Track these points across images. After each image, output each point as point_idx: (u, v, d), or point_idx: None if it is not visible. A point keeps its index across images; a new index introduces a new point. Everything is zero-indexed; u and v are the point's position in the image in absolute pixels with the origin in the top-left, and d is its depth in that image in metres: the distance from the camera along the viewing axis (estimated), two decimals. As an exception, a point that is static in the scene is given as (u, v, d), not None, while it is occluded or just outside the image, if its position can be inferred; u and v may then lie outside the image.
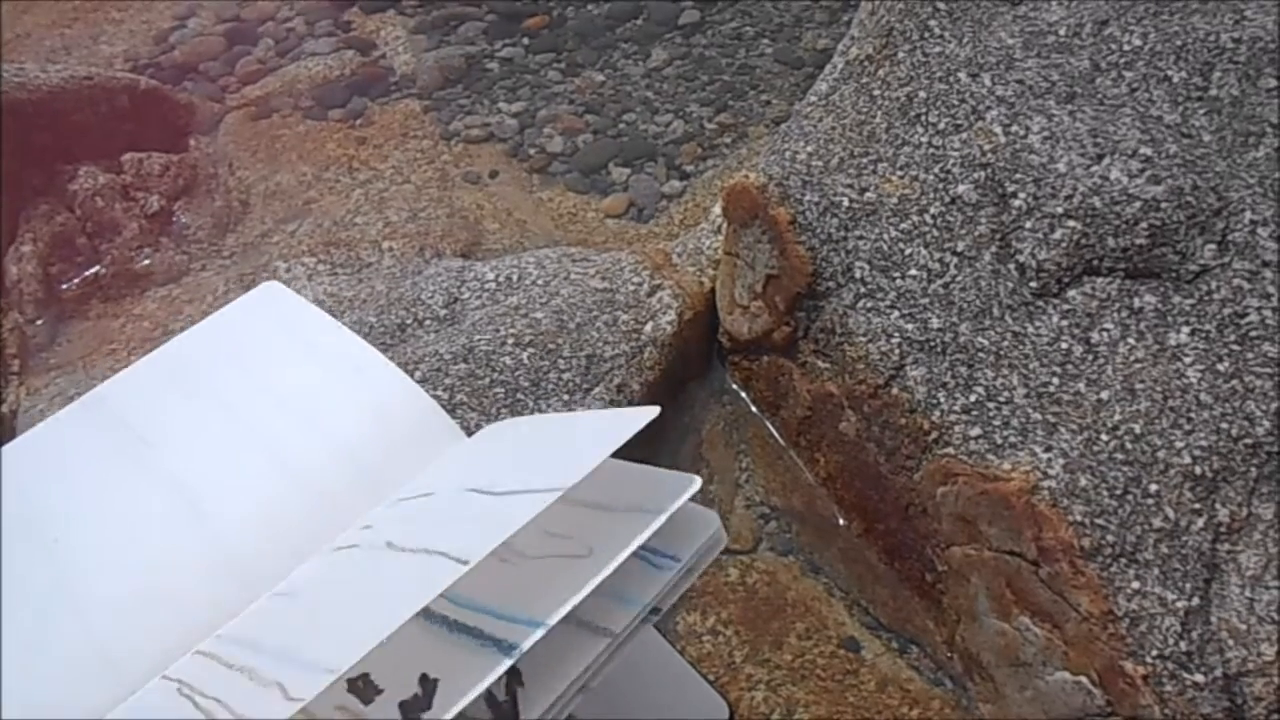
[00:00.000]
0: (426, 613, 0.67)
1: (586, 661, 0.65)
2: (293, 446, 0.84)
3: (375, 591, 0.67)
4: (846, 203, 1.38)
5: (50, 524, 0.79)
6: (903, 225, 1.34)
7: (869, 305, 1.34)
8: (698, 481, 0.71)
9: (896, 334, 1.30)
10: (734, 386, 1.64)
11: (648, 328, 1.55)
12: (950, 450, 1.22)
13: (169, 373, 0.91)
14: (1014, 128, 1.32)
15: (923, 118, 1.39)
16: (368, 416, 0.87)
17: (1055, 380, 1.19)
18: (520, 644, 0.62)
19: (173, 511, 0.80)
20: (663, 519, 0.68)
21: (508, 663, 0.61)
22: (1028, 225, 1.26)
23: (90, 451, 0.85)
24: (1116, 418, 1.15)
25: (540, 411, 1.43)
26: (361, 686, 0.66)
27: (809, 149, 1.46)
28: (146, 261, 1.96)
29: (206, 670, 0.70)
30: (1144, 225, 1.22)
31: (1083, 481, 1.12)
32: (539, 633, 0.62)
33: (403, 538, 0.71)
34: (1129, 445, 1.13)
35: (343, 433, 0.85)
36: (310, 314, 0.95)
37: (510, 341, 1.49)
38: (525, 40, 2.40)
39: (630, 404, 1.49)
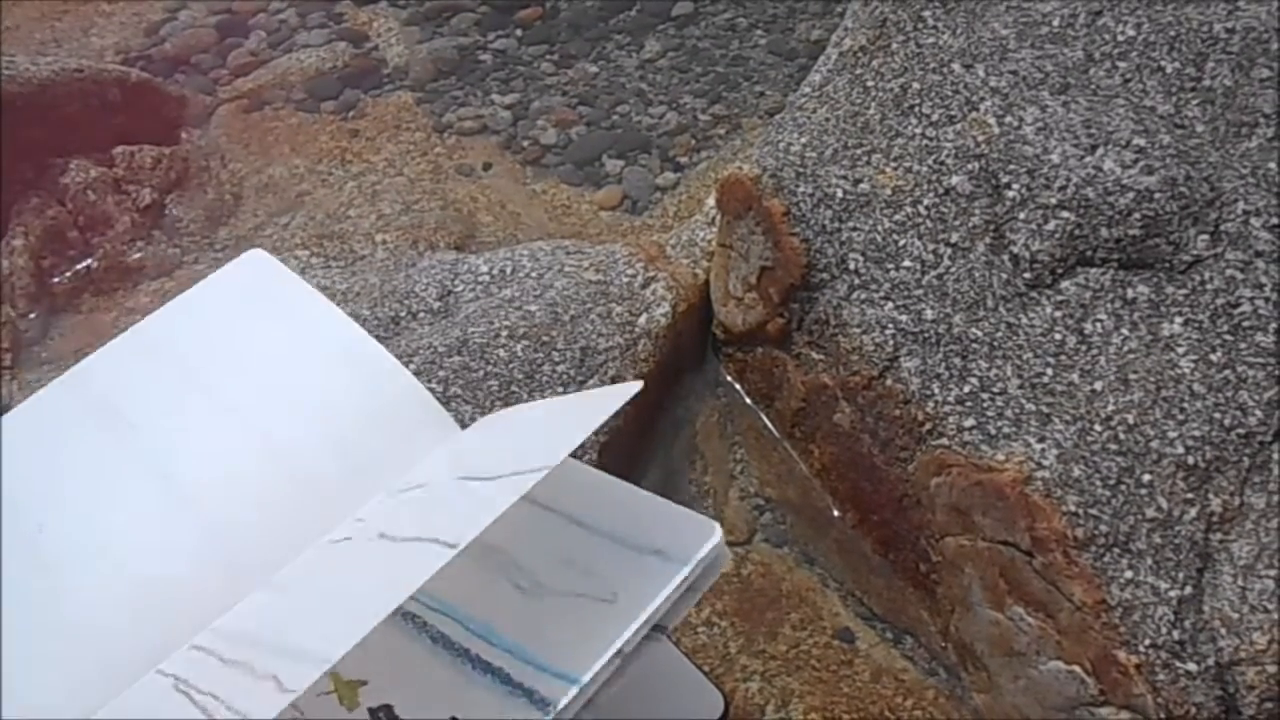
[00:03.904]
0: (447, 642, 0.67)
1: (597, 683, 0.65)
2: (283, 435, 0.83)
3: (366, 580, 0.66)
4: (840, 194, 1.38)
5: (34, 510, 0.77)
6: (896, 217, 1.34)
7: (863, 297, 1.34)
8: (718, 530, 0.71)
9: (890, 325, 1.30)
10: (728, 378, 1.64)
11: (642, 320, 1.55)
12: (944, 441, 1.22)
13: (152, 350, 0.88)
14: (1008, 119, 1.31)
15: (916, 109, 1.39)
16: (357, 401, 0.86)
17: (1049, 371, 1.20)
18: (556, 701, 0.61)
19: (163, 501, 0.79)
20: (686, 571, 0.69)
21: None
22: (1021, 216, 1.26)
23: (74, 435, 0.83)
24: (1110, 408, 1.15)
25: (534, 404, 1.43)
26: (384, 718, 0.65)
27: (803, 140, 1.45)
28: (138, 255, 1.95)
29: (202, 665, 0.69)
30: (1137, 216, 1.22)
31: (1076, 472, 1.12)
32: (574, 690, 0.62)
33: (394, 528, 0.71)
34: (1122, 436, 1.13)
35: (333, 419, 0.84)
36: (295, 287, 0.92)
37: (504, 334, 1.48)
38: (518, 32, 2.39)
39: (625, 396, 1.49)
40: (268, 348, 0.89)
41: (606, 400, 0.69)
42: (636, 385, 0.69)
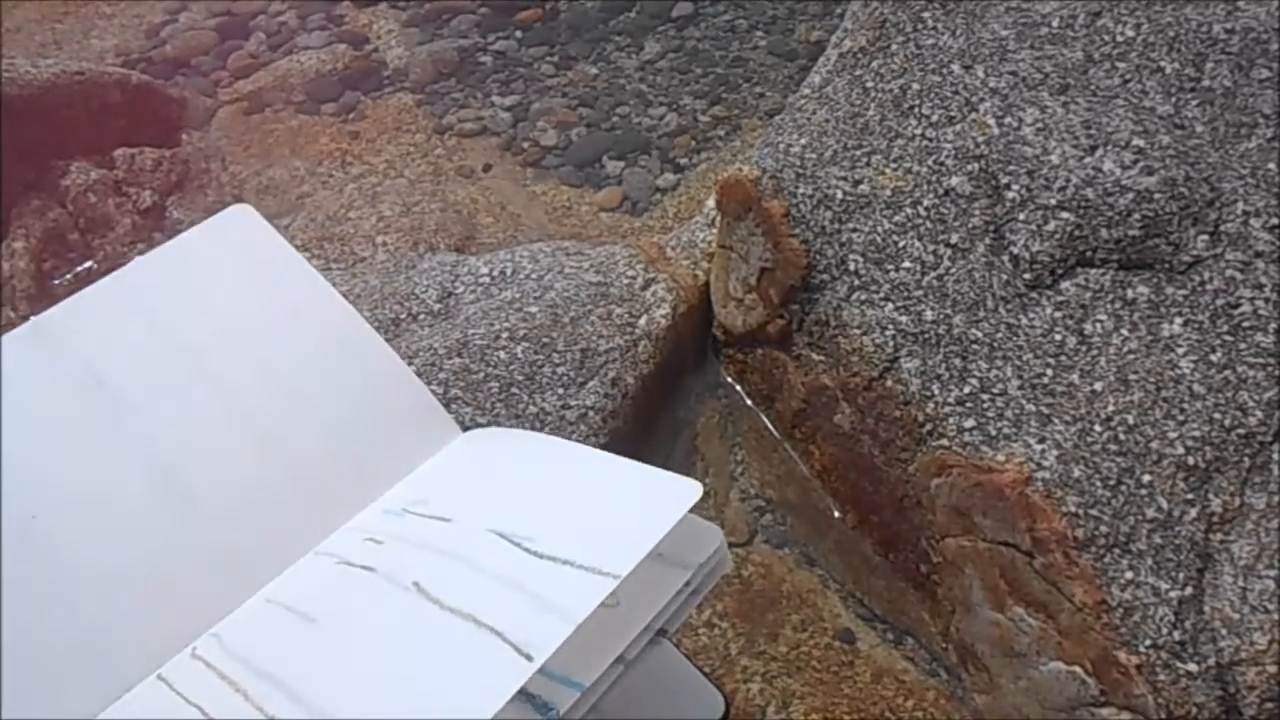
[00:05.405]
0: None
1: (601, 690, 0.65)
2: (281, 429, 0.82)
3: (420, 662, 0.64)
4: (840, 195, 1.38)
5: (25, 494, 0.75)
6: (896, 218, 1.34)
7: (863, 298, 1.34)
8: (719, 534, 0.71)
9: (890, 326, 1.30)
10: (728, 379, 1.64)
11: (642, 321, 1.55)
12: (944, 442, 1.22)
13: (130, 309, 0.84)
14: (1007, 119, 1.32)
15: (916, 110, 1.39)
16: (356, 395, 0.85)
17: (1049, 372, 1.20)
18: (559, 706, 0.61)
19: (161, 496, 0.77)
20: (689, 576, 0.69)
21: None
22: (1021, 217, 1.26)
23: (57, 405, 0.78)
24: (1110, 409, 1.15)
25: (536, 406, 1.43)
26: None
27: (802, 141, 1.45)
28: (140, 256, 1.95)
29: (209, 685, 0.68)
30: (1137, 216, 1.22)
31: (1076, 472, 1.12)
32: (577, 695, 0.62)
33: (434, 584, 0.69)
34: (1122, 436, 1.13)
35: (331, 413, 0.83)
36: (279, 250, 0.88)
37: (504, 335, 1.48)
38: (518, 33, 2.39)
39: (625, 398, 1.49)
40: (256, 318, 0.85)
41: (669, 501, 0.65)
42: (697, 489, 0.67)
